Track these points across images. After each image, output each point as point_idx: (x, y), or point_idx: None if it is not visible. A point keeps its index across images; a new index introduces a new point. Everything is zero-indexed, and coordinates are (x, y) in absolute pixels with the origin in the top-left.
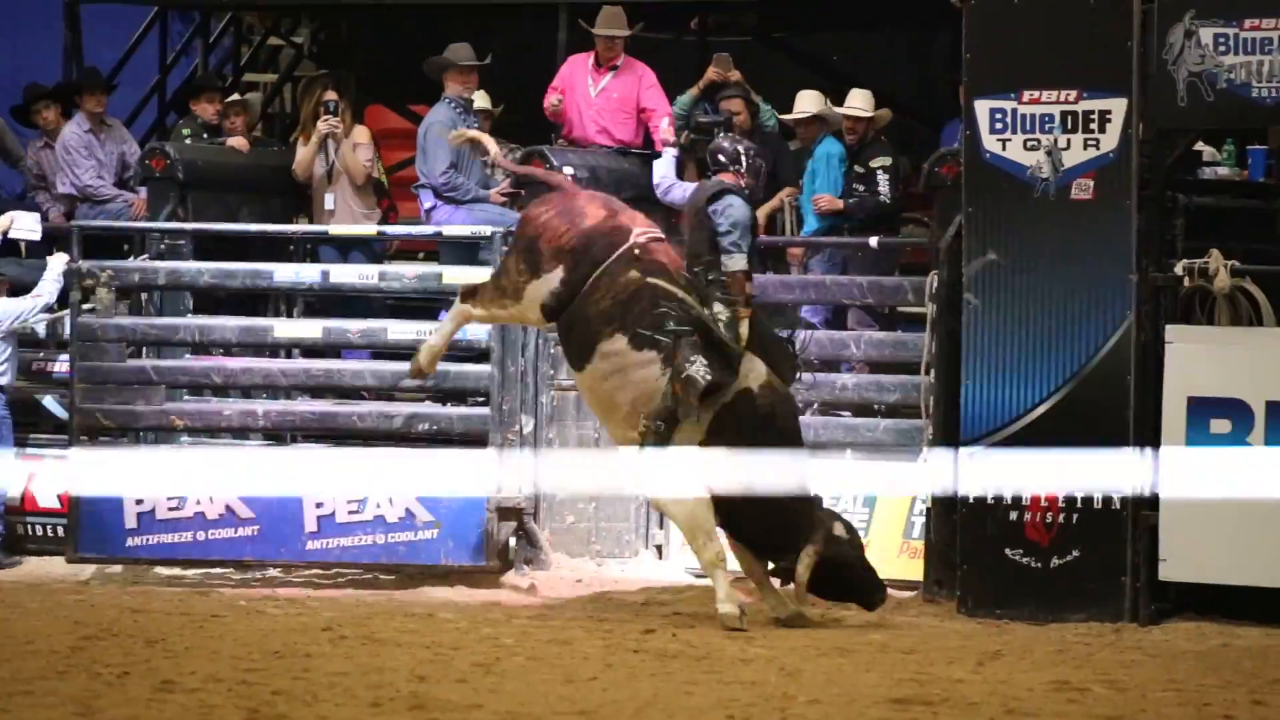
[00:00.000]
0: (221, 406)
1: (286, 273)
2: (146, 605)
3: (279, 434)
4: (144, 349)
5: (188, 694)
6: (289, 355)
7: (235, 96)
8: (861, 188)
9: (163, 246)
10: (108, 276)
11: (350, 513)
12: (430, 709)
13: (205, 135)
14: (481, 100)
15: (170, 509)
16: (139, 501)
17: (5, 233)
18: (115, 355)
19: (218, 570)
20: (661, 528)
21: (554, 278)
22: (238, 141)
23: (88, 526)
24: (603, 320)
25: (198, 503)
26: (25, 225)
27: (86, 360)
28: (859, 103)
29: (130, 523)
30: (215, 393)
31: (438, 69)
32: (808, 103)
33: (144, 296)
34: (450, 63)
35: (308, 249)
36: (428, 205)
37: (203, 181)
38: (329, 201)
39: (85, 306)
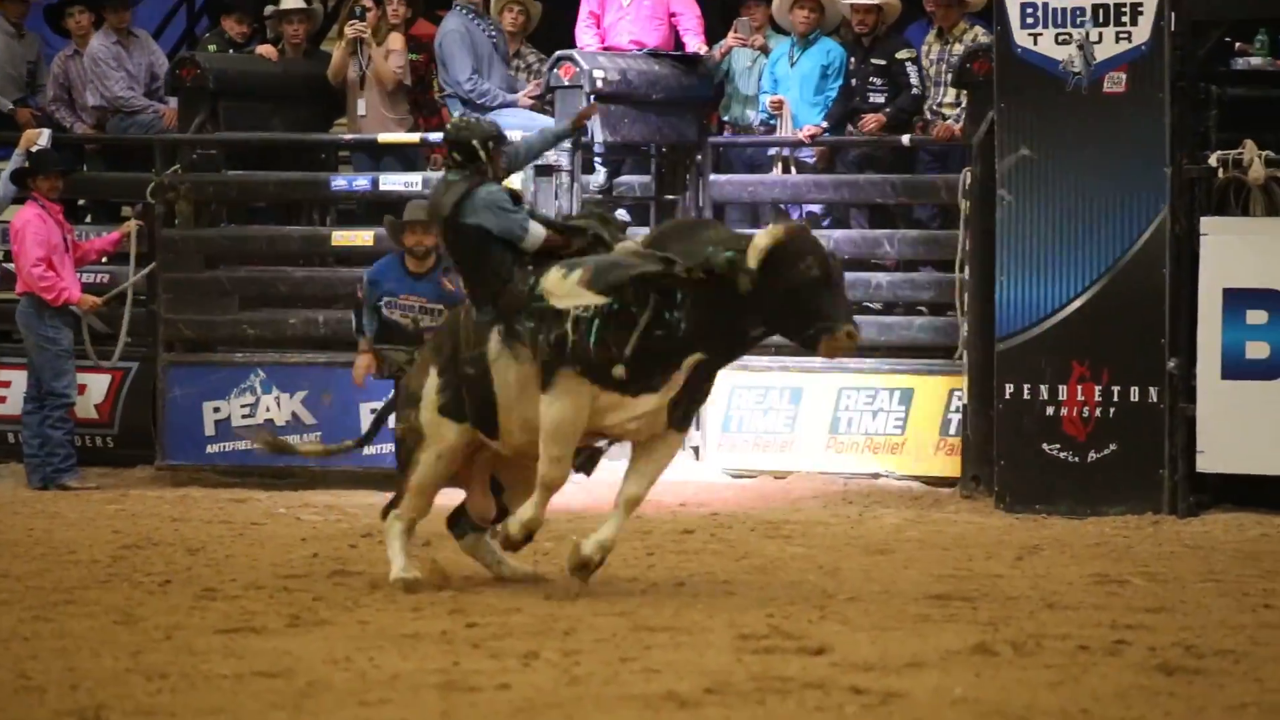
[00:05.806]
0: (288, 316)
1: (341, 181)
2: (186, 514)
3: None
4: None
5: (229, 601)
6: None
7: (300, 4)
8: (881, 82)
9: (194, 156)
10: (186, 189)
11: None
12: (470, 613)
13: (231, 52)
14: None
15: (244, 417)
16: (216, 409)
17: (30, 148)
18: (195, 267)
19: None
20: (698, 429)
21: None
22: (265, 49)
23: (173, 435)
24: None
25: (266, 410)
26: (42, 140)
27: (171, 272)
28: None
29: (209, 430)
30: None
31: None
32: None
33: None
34: None
35: (340, 156)
36: (457, 114)
37: (233, 91)
38: (361, 107)
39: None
